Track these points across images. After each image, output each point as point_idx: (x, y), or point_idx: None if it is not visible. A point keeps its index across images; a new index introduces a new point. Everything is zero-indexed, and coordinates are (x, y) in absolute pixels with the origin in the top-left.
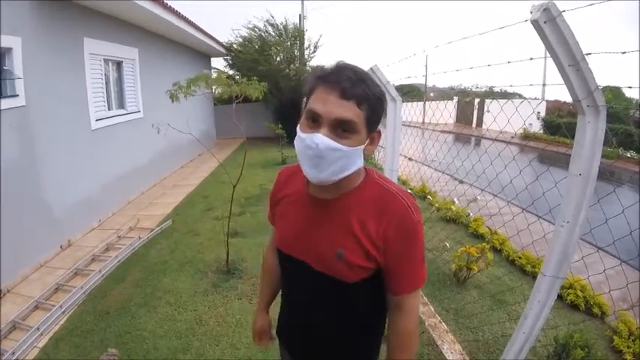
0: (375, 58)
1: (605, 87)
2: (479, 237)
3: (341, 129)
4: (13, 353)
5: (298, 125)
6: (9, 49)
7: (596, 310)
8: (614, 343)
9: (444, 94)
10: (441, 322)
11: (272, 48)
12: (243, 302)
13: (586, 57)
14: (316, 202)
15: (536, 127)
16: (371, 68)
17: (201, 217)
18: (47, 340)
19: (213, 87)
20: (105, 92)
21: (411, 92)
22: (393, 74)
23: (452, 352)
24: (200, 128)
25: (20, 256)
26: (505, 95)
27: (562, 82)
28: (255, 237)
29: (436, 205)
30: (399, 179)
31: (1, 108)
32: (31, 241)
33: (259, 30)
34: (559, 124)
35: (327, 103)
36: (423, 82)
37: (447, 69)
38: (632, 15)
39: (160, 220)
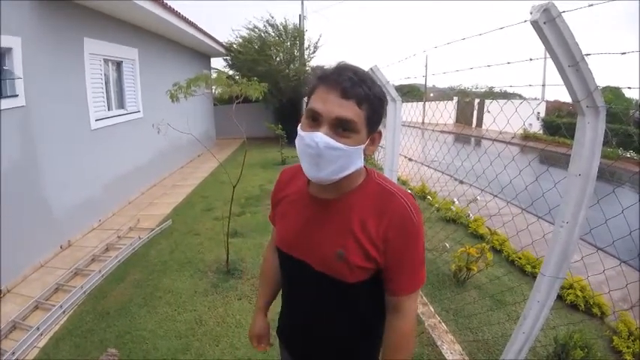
0: (375, 58)
1: (605, 87)
2: (479, 237)
3: (341, 128)
4: (13, 353)
5: (299, 125)
6: (9, 49)
7: (595, 310)
8: (614, 344)
9: (444, 95)
10: (440, 323)
11: (272, 48)
12: (243, 302)
13: (585, 57)
14: (317, 202)
15: (536, 128)
16: (371, 69)
17: (201, 217)
18: (47, 340)
19: (213, 87)
20: (105, 92)
21: (410, 92)
22: (392, 74)
23: (451, 353)
24: (200, 128)
25: (20, 256)
26: (505, 95)
27: (562, 82)
28: (255, 237)
29: (436, 205)
30: (399, 179)
31: (1, 108)
32: (31, 241)
33: (259, 30)
34: (559, 124)
35: (328, 103)
36: (423, 83)
37: (446, 69)
38: (632, 15)
39: (160, 220)
